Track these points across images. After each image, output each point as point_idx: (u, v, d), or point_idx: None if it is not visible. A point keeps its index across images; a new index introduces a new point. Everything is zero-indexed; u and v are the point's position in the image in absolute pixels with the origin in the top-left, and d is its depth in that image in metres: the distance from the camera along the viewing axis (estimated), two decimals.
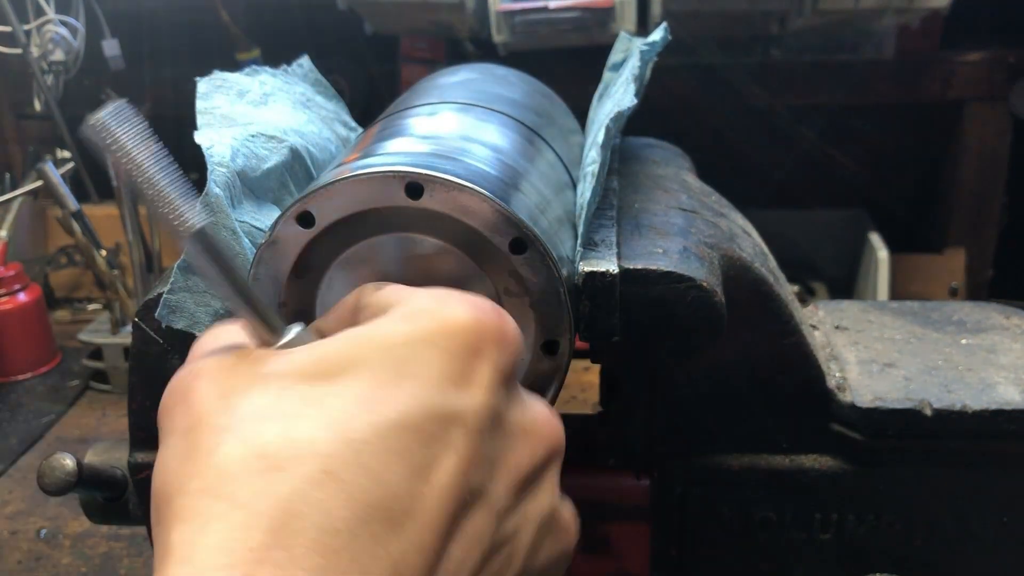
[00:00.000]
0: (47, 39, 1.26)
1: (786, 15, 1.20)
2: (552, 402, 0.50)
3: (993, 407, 0.55)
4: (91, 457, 0.60)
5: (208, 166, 0.49)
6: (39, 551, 0.91)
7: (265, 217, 0.52)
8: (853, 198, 1.43)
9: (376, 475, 0.30)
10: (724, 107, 1.35)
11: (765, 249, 0.63)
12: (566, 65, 1.18)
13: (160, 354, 0.53)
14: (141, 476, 0.56)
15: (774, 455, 0.58)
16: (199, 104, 0.56)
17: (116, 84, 1.35)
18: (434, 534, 0.31)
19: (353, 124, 0.70)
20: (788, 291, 0.59)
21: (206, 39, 1.37)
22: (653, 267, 0.50)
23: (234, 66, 0.62)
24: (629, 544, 0.58)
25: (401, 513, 0.31)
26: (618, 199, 0.61)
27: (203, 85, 0.58)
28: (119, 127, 0.33)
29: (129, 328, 1.12)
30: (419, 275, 0.45)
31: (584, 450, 0.59)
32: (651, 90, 0.66)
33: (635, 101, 0.56)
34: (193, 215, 0.34)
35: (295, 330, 0.37)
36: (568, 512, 0.41)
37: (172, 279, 0.48)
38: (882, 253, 1.26)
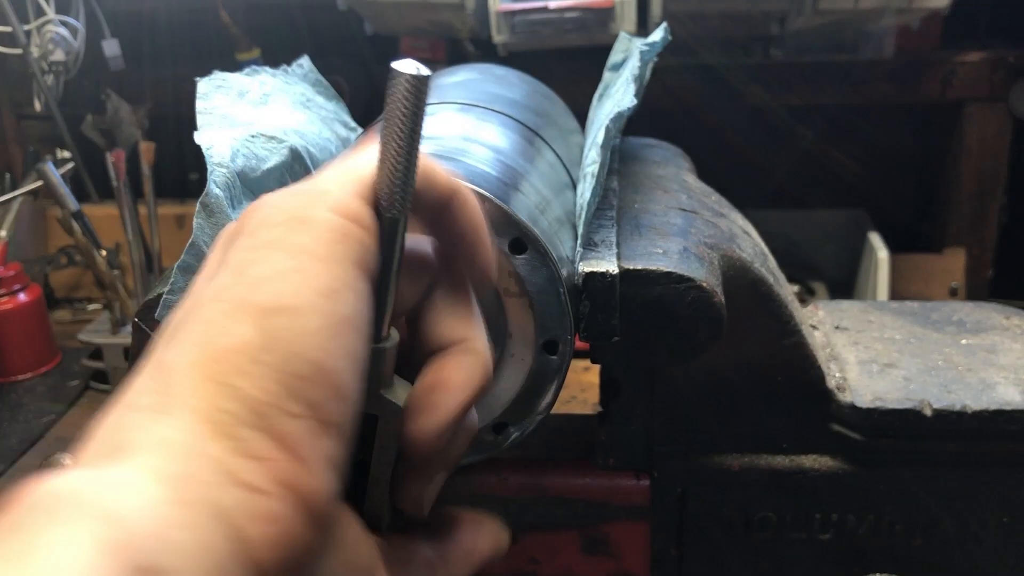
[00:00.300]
0: (47, 39, 1.25)
1: (786, 15, 1.20)
2: (552, 402, 0.50)
3: (993, 407, 0.55)
4: None
5: (208, 166, 0.49)
6: None
7: None
8: (853, 198, 1.43)
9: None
10: (724, 107, 1.34)
11: (765, 249, 0.63)
12: (566, 65, 1.18)
13: None
14: None
15: (774, 455, 0.58)
16: (199, 104, 0.56)
17: (116, 84, 1.35)
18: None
19: (353, 124, 0.70)
20: (788, 291, 0.59)
21: (206, 39, 1.37)
22: (653, 267, 0.50)
23: (234, 66, 0.62)
24: (629, 544, 0.58)
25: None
26: (618, 199, 0.61)
27: (203, 85, 0.58)
28: (416, 95, 0.33)
29: (129, 328, 1.12)
30: None
31: (584, 450, 0.59)
32: (651, 90, 0.66)
33: (635, 101, 0.56)
34: (403, 205, 0.34)
35: (391, 341, 0.36)
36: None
37: (172, 279, 0.49)
38: (882, 253, 1.26)
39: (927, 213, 1.44)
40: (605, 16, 1.11)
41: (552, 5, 1.10)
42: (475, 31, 1.21)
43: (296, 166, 0.57)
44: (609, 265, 0.50)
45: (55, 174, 1.14)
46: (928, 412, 0.55)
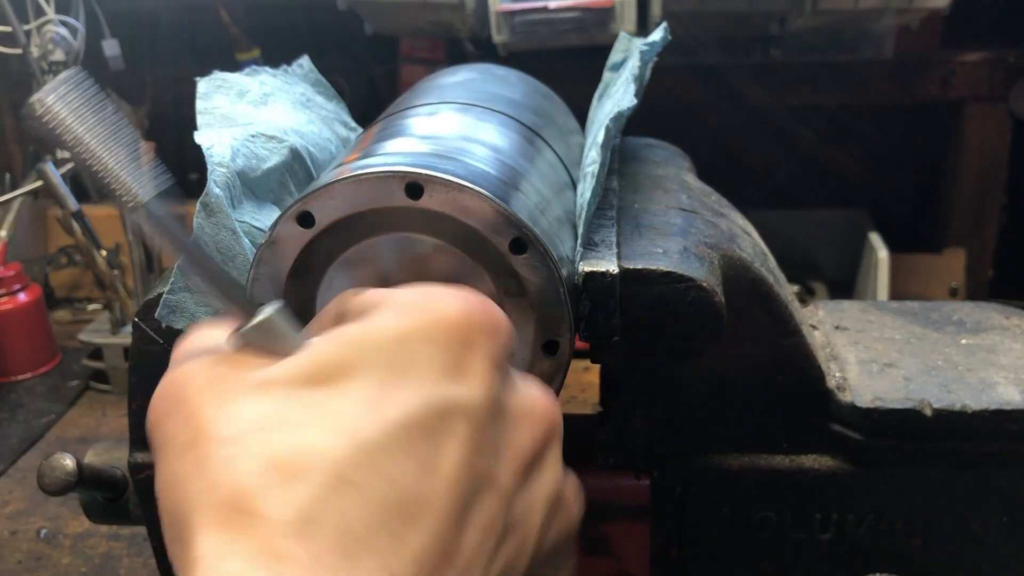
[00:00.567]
0: (47, 39, 1.26)
1: (786, 15, 1.20)
2: None
3: (993, 407, 0.55)
4: (91, 457, 0.60)
5: (208, 166, 0.49)
6: (39, 551, 0.91)
7: (265, 217, 0.52)
8: (853, 198, 1.43)
9: (388, 475, 0.31)
10: (724, 107, 1.35)
11: (765, 249, 0.63)
12: (566, 65, 1.18)
13: (160, 354, 0.53)
14: (141, 476, 0.56)
15: (774, 455, 0.58)
16: (199, 104, 0.56)
17: (116, 84, 1.35)
18: (448, 523, 0.32)
19: (353, 124, 0.70)
20: (788, 291, 0.59)
21: (206, 39, 1.37)
22: (653, 267, 0.50)
23: (234, 66, 0.62)
24: (629, 544, 0.58)
25: (415, 507, 0.31)
26: (618, 199, 0.61)
27: (203, 85, 0.58)
28: (64, 100, 0.32)
29: (129, 328, 1.12)
30: (419, 275, 0.45)
31: (584, 450, 0.59)
32: (651, 90, 0.66)
33: (635, 101, 0.56)
34: (142, 189, 0.34)
35: (269, 310, 0.36)
36: (571, 488, 0.42)
37: (172, 279, 0.49)
38: (882, 253, 1.26)
39: (927, 213, 1.44)
40: (605, 16, 1.11)
41: (552, 5, 1.10)
42: (475, 31, 1.21)
43: (296, 166, 0.57)
44: (609, 265, 0.50)
45: (55, 174, 1.14)
46: (928, 412, 0.55)
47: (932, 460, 0.57)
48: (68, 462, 0.54)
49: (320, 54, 0.76)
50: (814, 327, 0.65)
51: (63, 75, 0.32)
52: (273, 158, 0.54)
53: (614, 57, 0.72)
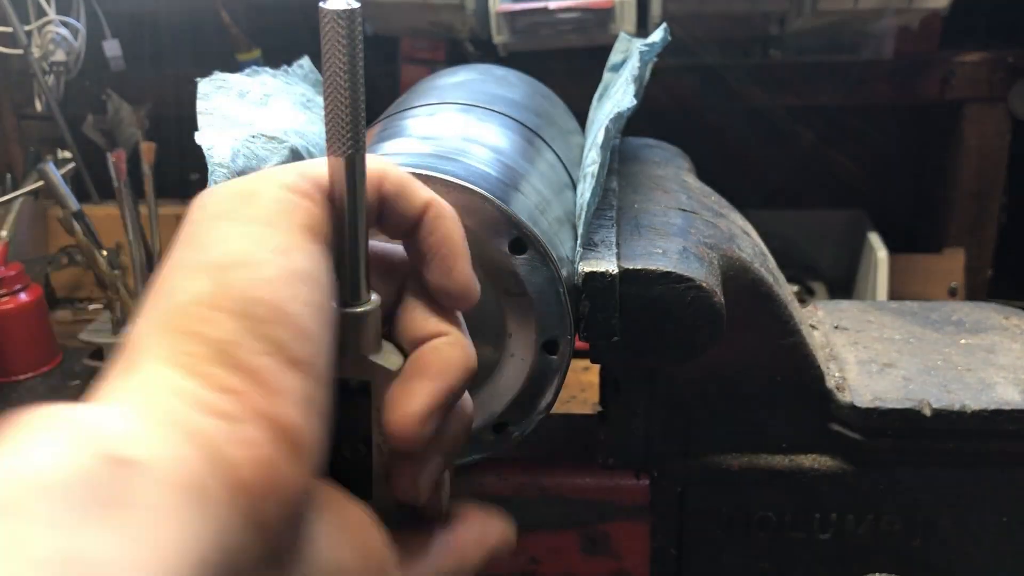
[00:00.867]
0: (48, 39, 1.26)
1: (786, 15, 1.20)
2: (552, 402, 0.50)
3: (992, 407, 0.55)
4: None
5: (209, 166, 0.49)
6: None
7: None
8: (853, 198, 1.43)
9: None
10: (724, 107, 1.35)
11: (765, 249, 0.63)
12: (566, 65, 1.18)
13: None
14: None
15: (774, 455, 0.58)
16: (200, 105, 0.56)
17: (117, 84, 1.35)
18: None
19: None
20: (788, 291, 0.59)
21: (206, 40, 1.37)
22: (653, 267, 0.50)
23: (235, 67, 0.62)
24: (629, 544, 0.59)
25: None
26: (618, 199, 0.61)
27: (204, 86, 0.58)
28: (349, 29, 0.34)
29: (130, 328, 1.12)
30: None
31: (584, 450, 0.59)
32: (651, 90, 0.66)
33: (635, 102, 0.56)
34: (356, 142, 0.34)
35: (371, 304, 0.36)
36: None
37: None
38: (881, 253, 1.26)
39: (926, 213, 1.44)
40: (605, 17, 1.11)
41: (552, 6, 1.10)
42: (475, 31, 1.21)
43: None
44: (609, 265, 0.50)
45: (56, 174, 1.14)
46: (927, 412, 0.55)
47: (932, 460, 0.57)
48: None
49: (320, 54, 0.76)
50: (814, 327, 0.65)
51: (355, 6, 0.34)
52: (273, 158, 0.54)
53: (614, 58, 0.72)
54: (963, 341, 0.63)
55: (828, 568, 0.59)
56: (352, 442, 0.37)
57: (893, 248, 1.28)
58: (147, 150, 1.18)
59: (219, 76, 0.60)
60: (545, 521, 0.58)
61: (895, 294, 1.28)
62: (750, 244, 0.60)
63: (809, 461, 0.58)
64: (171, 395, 0.29)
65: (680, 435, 0.57)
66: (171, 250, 0.34)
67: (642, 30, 1.14)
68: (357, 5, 0.34)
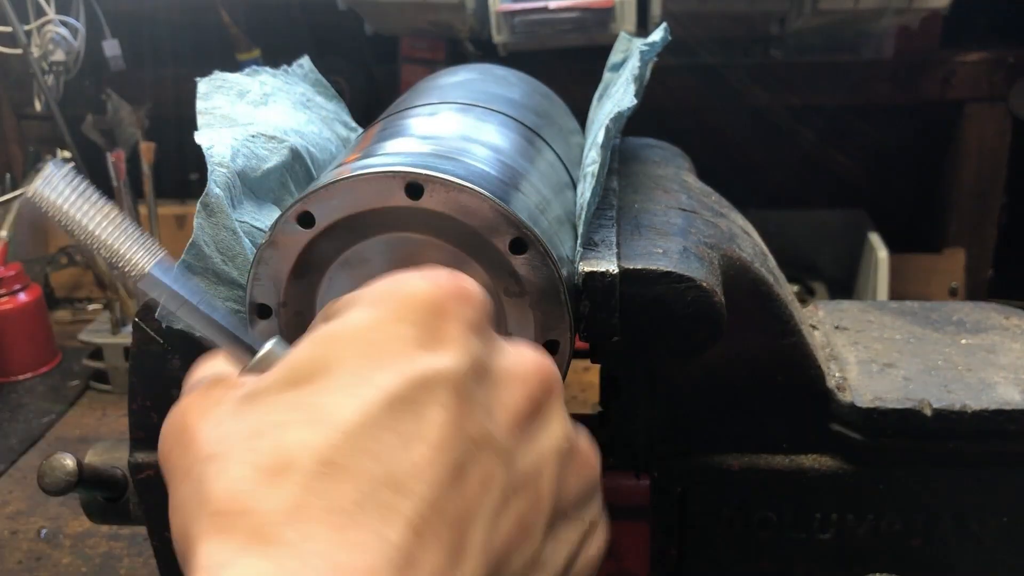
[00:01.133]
0: (47, 39, 1.26)
1: (786, 15, 1.20)
2: None
3: (993, 407, 0.55)
4: (91, 457, 0.60)
5: (208, 166, 0.49)
6: (39, 551, 0.91)
7: (265, 217, 0.52)
8: (853, 198, 1.43)
9: (373, 453, 0.32)
10: (724, 107, 1.35)
11: (765, 249, 0.63)
12: (566, 65, 1.19)
13: (160, 354, 0.53)
14: (141, 476, 0.56)
15: (774, 455, 0.58)
16: (199, 104, 0.56)
17: (116, 84, 1.35)
18: (440, 486, 0.32)
19: (353, 124, 0.70)
20: (788, 291, 0.59)
21: (206, 39, 1.37)
22: (653, 267, 0.50)
23: (234, 66, 0.62)
24: (629, 544, 0.58)
25: (405, 476, 0.32)
26: (618, 199, 0.61)
27: (203, 85, 0.58)
28: (57, 192, 0.35)
29: (129, 328, 1.12)
30: None
31: None
32: (651, 90, 0.66)
33: (635, 101, 0.56)
34: (143, 259, 0.36)
35: (268, 346, 0.38)
36: (584, 441, 0.41)
37: None
38: (882, 253, 1.26)
39: (927, 213, 1.44)
40: (605, 16, 1.11)
41: (552, 5, 1.10)
42: (475, 31, 1.21)
43: (296, 166, 0.57)
44: (609, 265, 0.50)
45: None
46: (928, 412, 0.55)
47: (932, 460, 0.57)
48: (68, 462, 0.54)
49: (320, 54, 0.76)
50: (814, 327, 0.65)
51: (49, 169, 0.35)
52: (273, 158, 0.54)
53: (614, 57, 0.72)
54: (964, 341, 0.63)
55: (828, 568, 0.59)
56: None
57: (893, 248, 1.29)
58: (146, 150, 1.18)
59: (219, 76, 0.60)
60: None
61: (895, 294, 1.28)
62: (750, 244, 0.60)
63: (809, 461, 0.58)
64: None
65: (680, 435, 0.57)
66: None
67: (642, 30, 1.14)
68: (55, 164, 0.36)
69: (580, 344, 0.49)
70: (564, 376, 0.49)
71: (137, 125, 1.33)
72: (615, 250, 0.51)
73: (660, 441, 0.57)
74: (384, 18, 1.24)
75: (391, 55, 1.30)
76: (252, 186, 0.52)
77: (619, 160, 0.70)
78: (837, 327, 0.65)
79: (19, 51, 1.24)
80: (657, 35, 0.62)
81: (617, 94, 0.60)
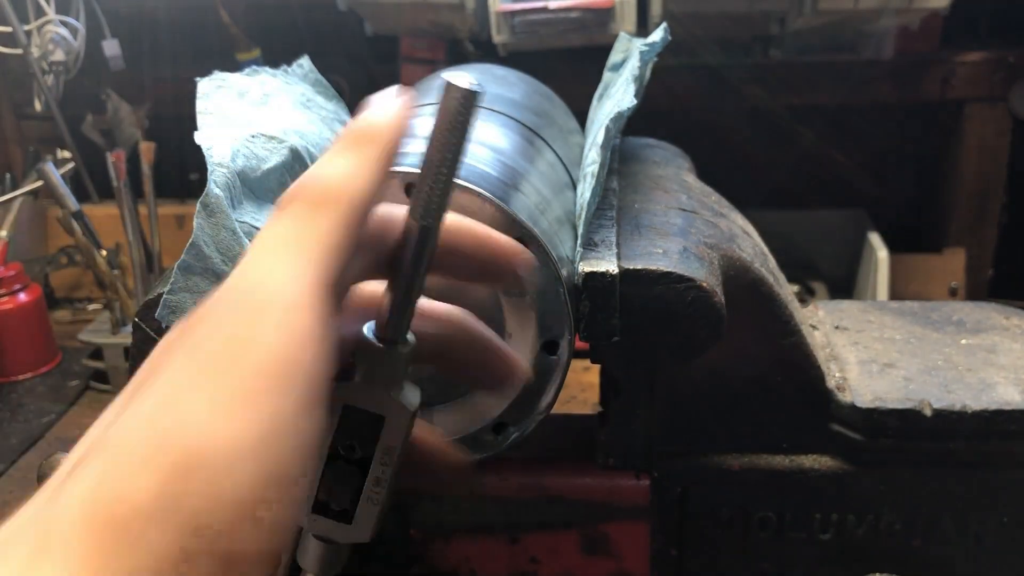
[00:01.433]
0: (47, 39, 1.25)
1: (786, 15, 1.20)
2: (552, 402, 0.50)
3: (993, 407, 0.55)
4: None
5: (208, 166, 0.49)
6: None
7: (265, 217, 0.52)
8: (853, 198, 1.43)
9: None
10: (724, 107, 1.35)
11: (765, 249, 0.63)
12: (566, 65, 1.18)
13: None
14: None
15: (774, 455, 0.58)
16: (199, 104, 0.56)
17: (116, 84, 1.35)
18: None
19: None
20: (788, 291, 0.59)
21: (206, 39, 1.37)
22: (653, 267, 0.50)
23: (234, 66, 0.62)
24: (629, 544, 0.58)
25: None
26: (618, 199, 0.61)
27: (203, 85, 0.58)
28: (470, 110, 0.34)
29: (129, 328, 1.12)
30: None
31: (584, 450, 0.59)
32: (651, 90, 0.66)
33: (635, 102, 0.56)
34: (439, 215, 0.35)
35: (408, 346, 0.36)
36: None
37: (172, 279, 0.49)
38: (882, 253, 1.26)
39: (927, 213, 1.44)
40: (605, 16, 1.11)
41: (552, 5, 1.10)
42: (475, 31, 1.21)
43: (296, 166, 0.57)
44: (609, 265, 0.50)
45: (55, 174, 1.14)
46: (928, 412, 0.55)
47: (932, 460, 0.57)
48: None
49: (320, 54, 0.76)
50: (814, 327, 0.65)
51: (476, 86, 0.34)
52: (273, 158, 0.54)
53: (614, 57, 0.72)
54: (964, 341, 0.63)
55: (828, 568, 0.59)
56: (341, 465, 0.37)
57: (893, 248, 1.28)
58: (146, 150, 1.18)
59: (219, 76, 0.60)
60: (545, 521, 0.58)
61: (895, 294, 1.28)
62: (750, 244, 0.60)
63: (809, 461, 0.58)
64: None
65: (680, 435, 0.57)
66: (144, 378, 0.30)
67: (642, 30, 1.14)
68: (481, 89, 0.34)
69: (580, 344, 0.49)
70: (564, 376, 0.49)
71: (137, 125, 1.33)
72: (615, 250, 0.51)
73: (660, 441, 0.57)
74: (384, 18, 1.24)
75: (391, 55, 1.30)
76: (252, 186, 0.52)
77: (619, 160, 0.70)
78: (837, 327, 0.65)
79: (19, 51, 1.23)
80: (657, 35, 0.62)
81: (617, 94, 0.60)
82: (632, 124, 0.65)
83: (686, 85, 1.30)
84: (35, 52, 1.25)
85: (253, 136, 0.54)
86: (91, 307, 1.43)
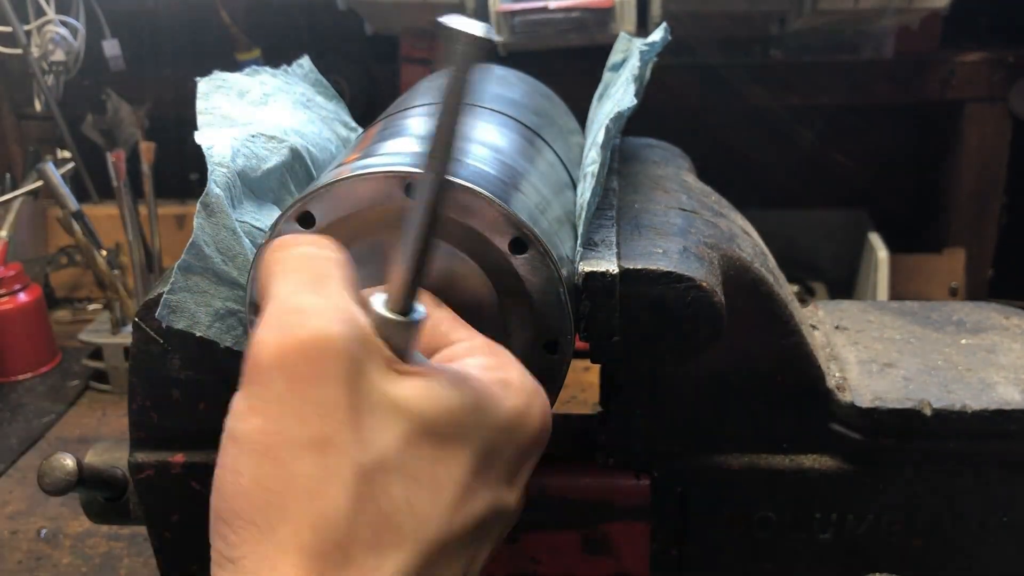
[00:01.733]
0: (47, 39, 1.26)
1: (786, 15, 1.20)
2: (552, 402, 0.50)
3: (993, 407, 0.55)
4: (91, 457, 0.60)
5: (208, 166, 0.49)
6: (39, 551, 0.91)
7: (265, 217, 0.52)
8: (853, 198, 1.43)
9: (449, 566, 0.36)
10: (724, 107, 1.35)
11: (765, 249, 0.63)
12: (566, 65, 1.18)
13: (160, 354, 0.53)
14: (141, 476, 0.56)
15: (774, 455, 0.58)
16: (199, 104, 0.56)
17: (116, 84, 1.35)
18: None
19: (353, 124, 0.71)
20: (788, 291, 0.59)
21: (206, 39, 1.37)
22: (653, 267, 0.50)
23: (234, 66, 0.62)
24: (629, 544, 0.58)
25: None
26: (618, 199, 0.61)
27: (203, 85, 0.58)
28: (475, 62, 0.35)
29: (129, 328, 1.12)
30: None
31: (584, 450, 0.59)
32: (651, 90, 0.66)
33: (635, 101, 0.56)
34: (445, 164, 0.35)
35: (422, 312, 0.37)
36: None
37: (172, 279, 0.49)
38: (882, 253, 1.26)
39: (927, 213, 1.44)
40: (605, 16, 1.11)
41: (552, 5, 1.10)
42: None
43: (296, 166, 0.57)
44: (609, 265, 0.50)
45: (55, 174, 1.14)
46: (928, 412, 0.55)
47: (932, 460, 0.57)
48: (68, 462, 0.54)
49: (320, 54, 0.76)
50: (814, 327, 0.65)
51: (487, 37, 0.34)
52: (273, 158, 0.54)
53: (614, 57, 0.72)
54: (964, 341, 0.63)
55: (828, 568, 0.59)
56: None
57: (893, 248, 1.28)
58: (146, 150, 1.18)
59: (219, 75, 0.60)
60: (545, 521, 0.58)
61: (895, 294, 1.28)
62: (750, 244, 0.60)
63: (809, 461, 0.58)
64: None
65: (680, 435, 0.57)
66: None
67: (642, 30, 1.14)
68: (496, 39, 0.34)
69: (580, 344, 0.49)
70: (564, 376, 0.49)
71: (137, 125, 1.33)
72: (615, 250, 0.51)
73: (660, 441, 0.57)
74: (384, 18, 1.24)
75: (391, 55, 1.30)
76: (252, 186, 0.52)
77: (619, 160, 0.70)
78: (837, 327, 0.65)
79: (19, 51, 1.24)
80: (657, 35, 0.62)
81: (617, 94, 0.60)
82: (632, 124, 0.65)
83: (686, 85, 1.30)
84: (35, 52, 1.26)
85: (253, 136, 0.54)
86: (91, 307, 1.43)
